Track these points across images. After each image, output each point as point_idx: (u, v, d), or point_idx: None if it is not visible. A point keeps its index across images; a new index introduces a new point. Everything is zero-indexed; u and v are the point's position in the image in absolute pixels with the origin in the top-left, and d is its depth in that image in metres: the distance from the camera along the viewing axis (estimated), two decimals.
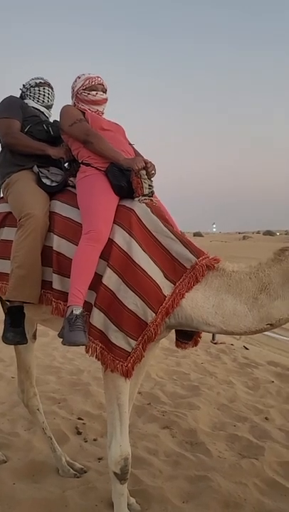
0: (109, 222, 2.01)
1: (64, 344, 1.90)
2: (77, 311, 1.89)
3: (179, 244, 1.98)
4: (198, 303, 1.93)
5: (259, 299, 1.86)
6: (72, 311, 1.89)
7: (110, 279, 1.95)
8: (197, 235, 64.71)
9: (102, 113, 2.43)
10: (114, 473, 1.98)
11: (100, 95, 2.38)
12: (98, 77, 2.39)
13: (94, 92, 2.36)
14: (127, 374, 1.93)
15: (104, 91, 2.41)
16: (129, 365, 1.92)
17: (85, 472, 2.59)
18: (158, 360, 4.75)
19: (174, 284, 1.93)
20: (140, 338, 1.92)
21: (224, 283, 1.93)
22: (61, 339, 1.93)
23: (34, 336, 2.70)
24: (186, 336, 2.18)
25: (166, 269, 1.96)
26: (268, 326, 1.89)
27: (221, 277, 1.94)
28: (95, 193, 2.08)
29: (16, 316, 2.15)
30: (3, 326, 2.16)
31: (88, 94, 2.36)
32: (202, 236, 64.17)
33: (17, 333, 2.13)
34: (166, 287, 1.94)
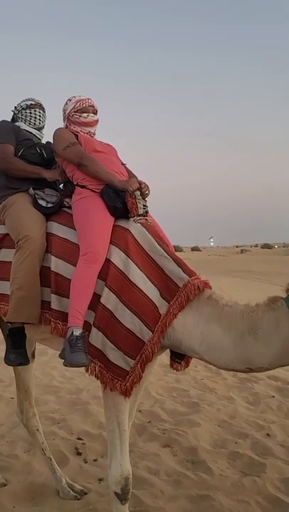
0: (105, 242, 2.05)
1: (65, 365, 1.92)
2: (78, 332, 1.92)
3: (173, 263, 2.03)
4: (188, 327, 1.96)
5: (246, 339, 1.87)
6: (73, 332, 1.92)
7: (108, 299, 1.98)
8: (195, 249, 64.78)
9: (94, 134, 2.50)
10: (115, 493, 1.97)
11: (91, 117, 2.44)
12: (89, 99, 2.46)
13: (85, 114, 2.42)
14: (126, 393, 1.95)
15: (95, 112, 2.48)
16: (128, 384, 1.94)
17: (86, 494, 2.57)
18: (157, 378, 4.73)
19: (169, 303, 1.97)
20: (138, 357, 1.94)
21: (215, 313, 1.95)
22: (62, 359, 1.94)
23: (33, 355, 2.71)
24: (179, 356, 2.19)
25: (161, 287, 2.00)
26: (247, 369, 1.90)
27: (213, 307, 1.97)
28: (91, 214, 2.13)
29: (17, 337, 2.18)
30: (2, 347, 2.18)
31: (80, 116, 2.42)
32: (200, 250, 64.27)
33: (19, 354, 2.16)
34: (162, 306, 1.98)
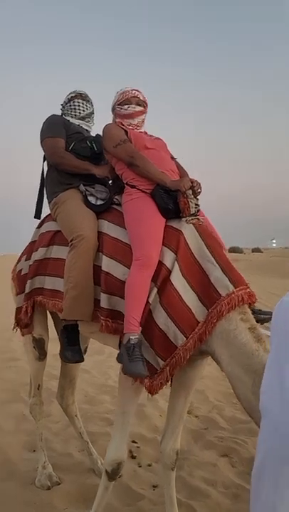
0: (158, 246, 1.99)
1: (124, 373, 1.91)
2: (134, 339, 1.89)
3: (219, 271, 1.92)
4: (221, 341, 1.83)
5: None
6: (130, 340, 1.88)
7: (151, 297, 1.94)
8: (256, 250, 62.84)
9: (139, 126, 2.41)
10: (106, 471, 2.09)
11: (132, 108, 2.36)
12: (133, 90, 2.39)
13: (126, 106, 2.36)
14: (150, 390, 1.92)
15: (140, 104, 2.39)
16: (155, 382, 1.90)
17: (120, 476, 2.53)
18: (215, 382, 4.54)
19: (207, 309, 1.87)
20: (168, 360, 1.88)
21: (250, 348, 1.76)
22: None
23: (85, 351, 2.75)
24: None
25: (202, 294, 1.90)
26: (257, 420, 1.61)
27: (255, 342, 1.77)
28: (143, 217, 2.07)
29: (71, 334, 2.22)
30: (55, 343, 2.22)
31: (121, 108, 2.37)
32: (261, 252, 62.24)
33: (75, 351, 2.21)
34: (200, 312, 1.88)
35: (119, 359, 1.94)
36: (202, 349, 1.93)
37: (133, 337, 1.89)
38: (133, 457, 2.98)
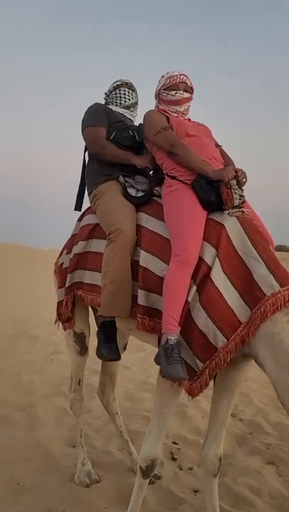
0: (199, 242, 1.87)
1: (162, 376, 1.81)
2: (173, 339, 1.78)
3: (264, 268, 1.76)
4: (265, 345, 1.70)
5: None
6: (168, 341, 1.78)
7: (190, 295, 1.83)
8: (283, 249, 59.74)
9: (184, 113, 2.29)
10: (140, 467, 2.03)
11: (180, 94, 2.24)
12: (181, 75, 2.26)
13: (173, 92, 2.24)
14: (190, 392, 1.81)
15: (188, 90, 2.27)
16: (194, 385, 1.79)
17: (159, 478, 2.57)
18: (261, 385, 4.35)
19: (250, 309, 1.73)
20: (208, 362, 1.77)
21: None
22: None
23: (124, 348, 2.74)
24: None
25: (245, 293, 1.76)
26: None
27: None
28: (183, 211, 1.95)
29: (108, 331, 2.13)
30: (95, 338, 2.17)
31: (167, 94, 2.25)
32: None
33: (111, 349, 2.12)
34: (242, 311, 1.75)
35: (157, 360, 1.84)
36: (244, 352, 1.81)
37: (172, 338, 1.79)
38: (174, 459, 2.89)
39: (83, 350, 2.59)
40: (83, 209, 2.62)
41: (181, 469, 2.77)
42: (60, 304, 2.55)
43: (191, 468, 2.78)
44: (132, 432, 3.07)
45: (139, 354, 5.35)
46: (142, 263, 2.02)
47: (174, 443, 3.09)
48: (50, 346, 5.74)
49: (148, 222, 2.12)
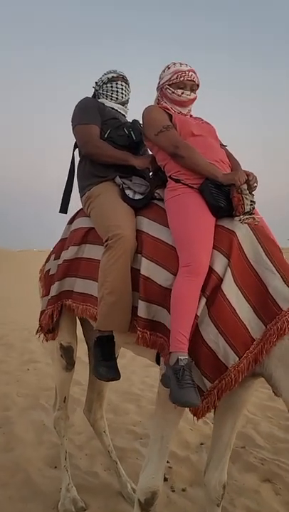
0: (209, 251, 1.70)
1: (172, 401, 1.60)
2: (184, 360, 1.59)
3: (280, 280, 1.61)
4: (282, 366, 1.57)
5: None
6: (178, 361, 1.59)
7: (199, 309, 1.66)
8: None
9: (187, 115, 2.11)
10: (138, 501, 1.82)
11: (186, 95, 2.05)
12: (190, 71, 2.04)
13: (180, 91, 2.04)
14: (196, 413, 1.69)
15: (194, 89, 2.08)
16: (200, 405, 1.62)
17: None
18: None
19: (265, 325, 1.58)
20: (216, 382, 1.61)
21: None
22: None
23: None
24: None
25: (257, 305, 1.61)
26: None
27: None
28: (190, 217, 1.78)
29: (106, 347, 1.91)
30: (83, 345, 1.99)
31: (173, 92, 2.05)
32: None
33: (110, 367, 1.89)
34: (255, 327, 1.60)
35: (165, 382, 1.65)
36: (256, 372, 1.65)
37: (182, 357, 1.60)
38: (165, 479, 2.68)
39: (70, 365, 2.35)
40: (69, 211, 2.39)
41: (173, 491, 2.57)
42: (42, 313, 2.31)
43: (184, 490, 2.58)
44: (118, 449, 2.86)
45: (120, 361, 5.09)
46: (143, 272, 1.82)
47: None
48: (26, 354, 5.43)
49: (150, 227, 1.93)
